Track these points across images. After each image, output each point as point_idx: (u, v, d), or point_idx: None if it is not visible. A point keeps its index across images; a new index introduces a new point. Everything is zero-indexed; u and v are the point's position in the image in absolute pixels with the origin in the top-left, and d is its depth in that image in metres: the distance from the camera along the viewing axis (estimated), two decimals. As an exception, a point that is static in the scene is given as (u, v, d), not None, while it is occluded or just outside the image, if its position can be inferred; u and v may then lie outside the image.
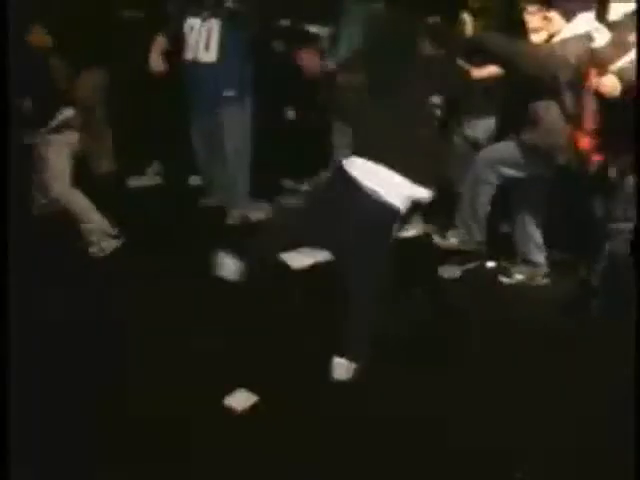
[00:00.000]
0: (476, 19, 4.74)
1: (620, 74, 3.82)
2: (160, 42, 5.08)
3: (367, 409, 3.28)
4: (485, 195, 4.35)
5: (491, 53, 4.25)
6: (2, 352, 2.40)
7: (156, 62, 5.07)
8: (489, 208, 4.41)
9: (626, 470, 2.54)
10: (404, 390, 3.38)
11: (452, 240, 4.54)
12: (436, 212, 5.02)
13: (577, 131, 4.06)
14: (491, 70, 4.39)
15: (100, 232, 4.70)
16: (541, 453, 3.00)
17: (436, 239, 4.67)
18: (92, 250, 4.71)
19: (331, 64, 4.95)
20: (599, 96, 3.93)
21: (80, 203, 4.67)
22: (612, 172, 4.10)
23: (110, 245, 4.73)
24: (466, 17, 4.75)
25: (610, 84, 3.83)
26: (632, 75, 3.78)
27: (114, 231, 4.76)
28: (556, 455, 2.99)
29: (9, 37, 2.88)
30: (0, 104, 2.88)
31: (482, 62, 4.41)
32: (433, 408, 3.28)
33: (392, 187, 3.31)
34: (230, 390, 3.39)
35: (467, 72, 4.26)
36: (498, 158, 4.30)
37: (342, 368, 3.52)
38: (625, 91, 3.80)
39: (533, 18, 4.11)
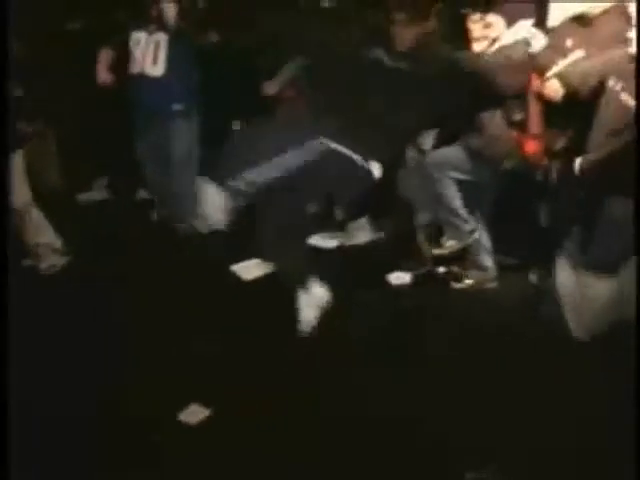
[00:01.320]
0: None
1: (562, 78, 3.90)
2: (106, 55, 5.06)
3: (323, 411, 3.30)
4: (449, 189, 4.34)
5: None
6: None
7: (103, 75, 5.04)
8: (459, 197, 4.40)
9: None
10: (362, 392, 3.40)
11: (450, 243, 4.52)
12: (385, 219, 5.10)
13: (523, 136, 4.14)
14: None
15: (51, 248, 4.63)
16: (500, 452, 3.01)
17: (435, 251, 4.63)
18: (42, 266, 4.63)
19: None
20: (542, 100, 4.02)
21: (37, 217, 4.59)
22: (555, 175, 4.21)
23: (60, 261, 4.66)
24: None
25: (553, 88, 3.91)
26: (574, 78, 3.86)
27: (63, 247, 4.68)
28: (513, 454, 3.01)
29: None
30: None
31: None
32: (390, 409, 3.29)
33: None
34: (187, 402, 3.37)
35: None
36: (445, 162, 4.32)
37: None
38: (569, 94, 3.88)
39: (475, 26, 4.18)
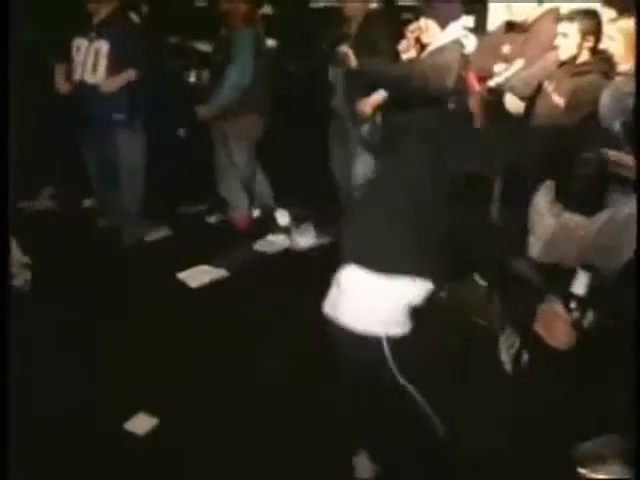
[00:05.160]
0: (357, 49, 4.59)
1: (514, 90, 4.02)
2: (60, 68, 4.99)
3: (270, 416, 3.32)
4: None
5: (374, 79, 4.37)
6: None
7: (62, 86, 4.99)
8: None
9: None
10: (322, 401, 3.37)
11: None
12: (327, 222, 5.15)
13: None
14: (377, 97, 4.50)
15: (17, 262, 4.42)
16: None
17: None
18: (16, 283, 4.36)
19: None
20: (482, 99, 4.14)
21: None
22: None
23: (29, 276, 4.49)
24: (347, 49, 4.58)
25: (515, 105, 4.04)
26: (522, 88, 3.98)
27: (27, 260, 4.50)
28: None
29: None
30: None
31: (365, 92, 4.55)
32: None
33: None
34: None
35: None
36: None
37: None
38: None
39: (409, 35, 4.27)
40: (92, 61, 4.77)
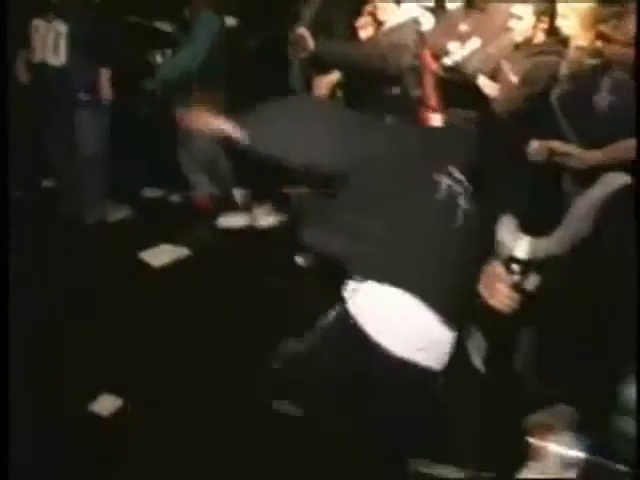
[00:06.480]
0: (314, 29, 4.56)
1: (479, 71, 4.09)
2: (22, 54, 4.96)
3: (237, 400, 3.33)
4: None
5: (332, 61, 4.38)
6: None
7: (22, 75, 4.97)
8: None
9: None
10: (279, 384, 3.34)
11: None
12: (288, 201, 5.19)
13: (425, 109, 4.27)
14: (332, 77, 4.52)
15: None
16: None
17: None
18: None
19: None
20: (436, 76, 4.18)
21: None
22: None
23: None
24: (304, 31, 4.55)
25: (489, 86, 4.09)
26: (482, 66, 4.06)
27: None
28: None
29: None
30: None
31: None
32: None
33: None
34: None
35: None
36: None
37: None
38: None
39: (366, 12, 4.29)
40: (52, 42, 4.75)
